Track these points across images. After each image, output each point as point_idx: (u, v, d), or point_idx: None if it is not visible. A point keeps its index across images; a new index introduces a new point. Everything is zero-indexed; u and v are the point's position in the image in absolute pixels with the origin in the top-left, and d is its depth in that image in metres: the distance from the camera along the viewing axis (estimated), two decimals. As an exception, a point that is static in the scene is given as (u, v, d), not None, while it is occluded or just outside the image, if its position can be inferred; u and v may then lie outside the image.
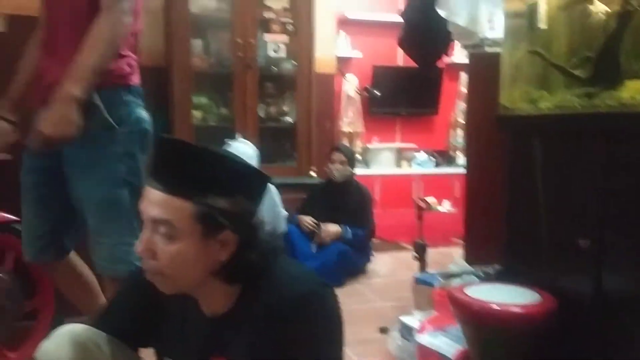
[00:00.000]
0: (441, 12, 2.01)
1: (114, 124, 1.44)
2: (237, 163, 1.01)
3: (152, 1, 2.81)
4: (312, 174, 3.15)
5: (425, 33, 2.10)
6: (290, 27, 3.10)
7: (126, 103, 1.48)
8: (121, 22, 1.42)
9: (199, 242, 0.96)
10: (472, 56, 2.25)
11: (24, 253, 1.60)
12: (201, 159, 0.97)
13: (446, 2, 2.00)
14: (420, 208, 2.65)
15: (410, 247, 2.86)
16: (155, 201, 0.96)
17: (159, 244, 0.96)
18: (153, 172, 0.99)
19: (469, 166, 2.32)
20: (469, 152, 2.37)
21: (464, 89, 4.01)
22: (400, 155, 4.12)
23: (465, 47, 2.28)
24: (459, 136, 4.19)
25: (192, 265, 0.97)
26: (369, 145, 4.04)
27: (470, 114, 2.31)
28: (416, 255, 2.48)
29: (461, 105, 4.11)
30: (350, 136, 3.92)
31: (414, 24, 2.11)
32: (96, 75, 1.39)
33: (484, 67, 2.09)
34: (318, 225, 3.01)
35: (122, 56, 1.48)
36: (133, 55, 1.51)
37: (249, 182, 1.02)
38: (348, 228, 3.01)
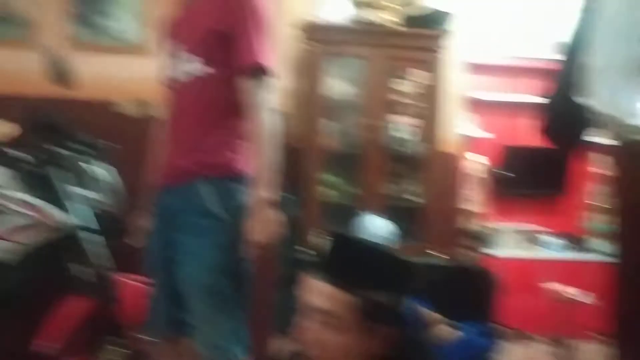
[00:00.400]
0: (584, 100, 1.96)
1: (218, 214, 1.49)
2: (399, 260, 1.04)
3: (289, 84, 3.01)
4: (436, 254, 3.09)
5: (567, 120, 2.05)
6: (418, 110, 3.16)
7: (234, 193, 1.52)
8: (269, 117, 1.52)
9: (359, 335, 0.98)
10: (620, 142, 2.15)
11: (146, 325, 1.68)
12: (368, 256, 1.02)
13: (590, 90, 1.95)
14: (557, 299, 2.49)
15: (537, 337, 2.66)
16: (320, 292, 1.00)
17: (320, 334, 0.99)
18: (319, 265, 1.04)
19: (623, 256, 2.16)
20: (622, 241, 2.21)
21: (595, 170, 3.80)
22: (527, 238, 3.93)
23: (611, 134, 2.18)
24: (594, 220, 3.93)
25: (350, 356, 0.99)
26: (494, 226, 3.90)
27: (621, 200, 2.18)
28: (558, 351, 2.30)
29: (594, 187, 3.88)
30: (475, 216, 3.82)
31: (556, 111, 2.07)
32: (276, 170, 1.48)
33: (634, 154, 1.99)
34: (437, 322, 2.91)
35: (234, 147, 1.55)
36: (245, 144, 1.56)
37: (407, 279, 1.04)
38: (466, 327, 2.86)
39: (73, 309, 2.02)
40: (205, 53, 1.55)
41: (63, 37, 2.44)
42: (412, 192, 3.17)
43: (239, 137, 1.55)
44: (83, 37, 2.47)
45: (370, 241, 1.09)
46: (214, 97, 1.55)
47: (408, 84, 3.16)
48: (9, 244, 1.95)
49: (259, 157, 1.48)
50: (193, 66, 1.56)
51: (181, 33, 1.63)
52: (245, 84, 1.52)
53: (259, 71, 1.52)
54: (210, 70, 1.55)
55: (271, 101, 1.52)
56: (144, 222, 1.67)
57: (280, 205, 1.54)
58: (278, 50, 2.69)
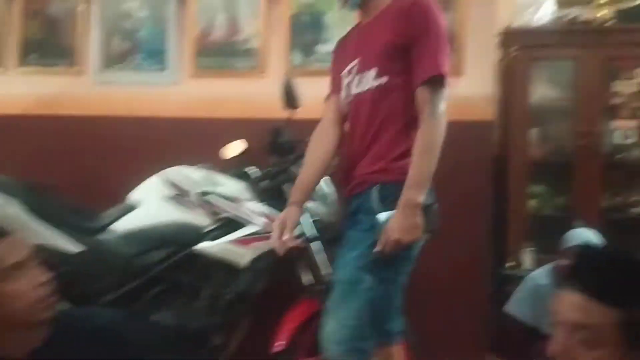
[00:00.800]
0: None
1: (379, 213, 1.54)
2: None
3: (494, 93, 2.94)
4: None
5: None
6: (642, 112, 2.86)
7: (397, 196, 1.55)
8: (442, 126, 1.56)
9: (617, 352, 0.93)
10: None
11: None
12: (634, 269, 0.96)
13: None
14: None
15: None
16: (575, 305, 0.97)
17: (571, 348, 0.96)
18: (574, 276, 1.01)
19: None
20: None
21: None
22: None
23: None
24: None
25: None
26: None
27: None
28: None
29: None
30: None
31: None
32: (430, 179, 1.53)
33: None
34: None
35: (408, 156, 1.57)
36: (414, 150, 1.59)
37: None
38: None
39: (300, 312, 2.20)
40: (383, 64, 1.62)
41: (287, 65, 2.71)
42: (636, 203, 2.86)
43: (412, 143, 1.59)
44: (302, 63, 2.73)
45: (627, 253, 1.01)
46: (392, 106, 1.62)
47: (629, 84, 2.88)
48: (246, 250, 2.19)
49: (420, 162, 1.53)
50: (371, 79, 1.65)
51: (357, 49, 1.71)
52: (423, 94, 1.57)
53: (436, 82, 1.57)
54: (387, 80, 1.62)
55: (444, 111, 1.57)
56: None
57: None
58: (483, 58, 2.69)
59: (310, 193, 1.85)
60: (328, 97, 1.86)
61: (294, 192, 1.82)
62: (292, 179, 2.26)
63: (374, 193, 1.59)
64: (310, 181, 1.82)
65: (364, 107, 1.67)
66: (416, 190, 1.52)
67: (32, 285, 1.27)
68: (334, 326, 1.59)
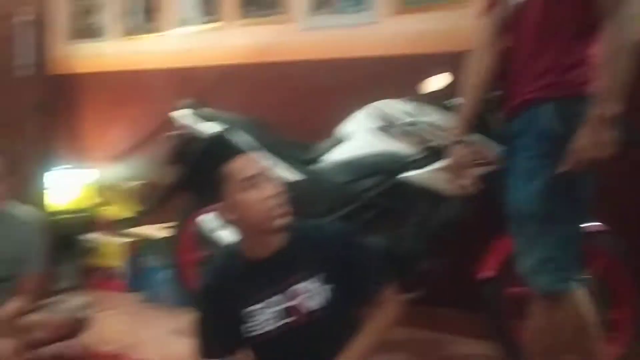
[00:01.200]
0: None
1: (557, 136, 1.41)
2: None
3: None
4: None
5: None
6: None
7: (578, 115, 1.38)
8: (631, 28, 1.37)
9: None
10: None
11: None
12: None
13: None
14: None
15: None
16: None
17: None
18: None
19: None
20: None
21: None
22: None
23: None
24: None
25: None
26: None
27: None
28: None
29: None
30: None
31: None
32: (623, 88, 1.35)
33: None
34: None
35: (583, 63, 1.42)
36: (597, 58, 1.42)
37: None
38: None
39: (506, 243, 2.19)
40: None
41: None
42: None
43: (591, 51, 1.42)
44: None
45: None
46: (565, 9, 1.45)
47: None
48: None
49: (609, 70, 1.36)
50: None
51: None
52: None
53: None
54: None
55: (632, 13, 1.37)
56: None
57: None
58: None
59: (474, 122, 1.78)
60: (483, 12, 1.74)
61: (459, 127, 1.77)
62: (495, 108, 2.21)
63: (546, 112, 1.46)
64: (474, 110, 1.75)
65: (533, 13, 1.53)
66: (607, 102, 1.36)
67: (263, 196, 1.50)
68: (537, 260, 1.54)
